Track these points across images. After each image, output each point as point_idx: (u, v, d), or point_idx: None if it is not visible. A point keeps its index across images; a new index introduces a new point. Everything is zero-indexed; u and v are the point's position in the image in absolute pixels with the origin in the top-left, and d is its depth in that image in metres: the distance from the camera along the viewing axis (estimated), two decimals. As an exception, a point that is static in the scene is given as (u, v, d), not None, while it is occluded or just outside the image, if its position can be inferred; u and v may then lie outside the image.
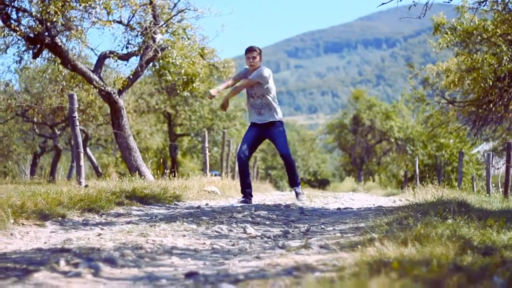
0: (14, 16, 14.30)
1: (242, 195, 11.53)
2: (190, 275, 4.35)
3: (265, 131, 11.56)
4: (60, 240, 6.35)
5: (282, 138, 11.50)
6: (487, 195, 16.93)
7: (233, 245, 5.99)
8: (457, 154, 31.17)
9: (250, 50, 11.37)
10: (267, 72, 11.29)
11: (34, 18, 14.10)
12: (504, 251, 4.80)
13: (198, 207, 10.62)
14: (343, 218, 9.03)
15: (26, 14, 14.23)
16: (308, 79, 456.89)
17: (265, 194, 17.95)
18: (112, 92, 15.75)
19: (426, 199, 10.69)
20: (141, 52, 15.97)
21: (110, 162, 39.89)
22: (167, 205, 11.05)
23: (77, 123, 12.15)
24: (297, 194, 11.77)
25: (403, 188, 26.11)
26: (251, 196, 11.61)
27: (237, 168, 13.93)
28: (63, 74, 17.76)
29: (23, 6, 14.25)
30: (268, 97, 11.37)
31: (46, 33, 14.35)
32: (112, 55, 16.01)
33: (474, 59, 18.46)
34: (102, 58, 16.06)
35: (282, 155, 11.50)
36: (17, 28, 13.99)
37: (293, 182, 11.76)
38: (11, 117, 25.08)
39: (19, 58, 14.92)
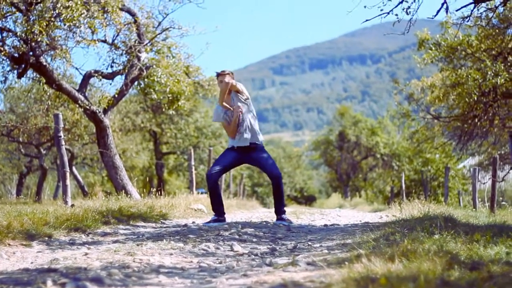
0: (-2, 36, 14.28)
1: (215, 213, 10.82)
2: (177, 293, 4.34)
3: (245, 156, 10.92)
4: (47, 260, 6.32)
5: (271, 160, 10.91)
6: (474, 209, 16.95)
7: (220, 263, 5.98)
8: (443, 169, 31.25)
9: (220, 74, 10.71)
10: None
11: (19, 38, 14.05)
12: (491, 265, 4.80)
13: (185, 225, 10.57)
14: (330, 234, 9.02)
15: (11, 34, 14.19)
16: (294, 96, 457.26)
17: (251, 211, 17.91)
18: (97, 111, 15.73)
19: (412, 215, 10.70)
20: (126, 71, 15.96)
21: (96, 181, 39.77)
22: (154, 224, 11.01)
23: (63, 142, 12.15)
24: (283, 218, 10.87)
25: (389, 204, 26.08)
26: (224, 213, 10.96)
27: (223, 186, 13.69)
28: (48, 93, 17.72)
29: (8, 26, 14.22)
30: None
31: (31, 53, 14.32)
32: (97, 74, 15.99)
33: (458, 74, 18.51)
34: (87, 77, 16.05)
35: (276, 176, 10.74)
36: (2, 48, 13.93)
37: (282, 207, 10.97)
38: (-4, 137, 25.01)
39: (3, 78, 14.82)
